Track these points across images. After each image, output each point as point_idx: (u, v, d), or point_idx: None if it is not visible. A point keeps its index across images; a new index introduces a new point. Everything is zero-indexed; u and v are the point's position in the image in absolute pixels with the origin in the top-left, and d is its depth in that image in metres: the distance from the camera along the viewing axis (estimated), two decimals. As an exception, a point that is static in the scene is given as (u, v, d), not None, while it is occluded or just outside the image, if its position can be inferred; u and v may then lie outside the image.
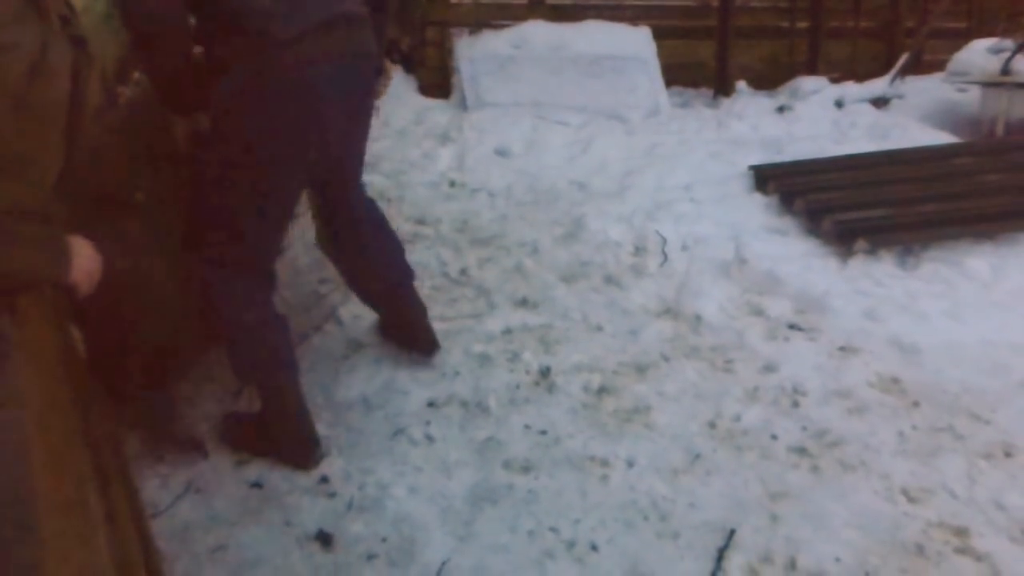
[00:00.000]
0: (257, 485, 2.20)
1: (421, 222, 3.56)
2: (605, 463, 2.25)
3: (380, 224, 2.52)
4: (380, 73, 2.38)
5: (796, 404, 2.50)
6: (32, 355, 1.18)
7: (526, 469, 2.24)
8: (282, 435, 2.24)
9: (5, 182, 1.12)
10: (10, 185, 1.12)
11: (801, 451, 2.31)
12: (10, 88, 1.07)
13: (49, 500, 1.14)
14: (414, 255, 3.29)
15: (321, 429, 2.38)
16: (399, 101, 3.95)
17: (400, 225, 3.52)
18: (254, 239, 2.14)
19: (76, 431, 1.27)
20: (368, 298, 2.61)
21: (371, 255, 2.49)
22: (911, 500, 2.13)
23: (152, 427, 2.32)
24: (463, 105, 4.56)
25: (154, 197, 2.14)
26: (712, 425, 2.41)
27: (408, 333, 2.62)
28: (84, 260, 1.24)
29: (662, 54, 4.92)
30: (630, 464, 2.25)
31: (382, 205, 3.05)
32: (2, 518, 1.13)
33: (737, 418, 2.43)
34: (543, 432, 2.37)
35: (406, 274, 2.56)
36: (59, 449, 1.21)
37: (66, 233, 1.24)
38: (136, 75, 2.03)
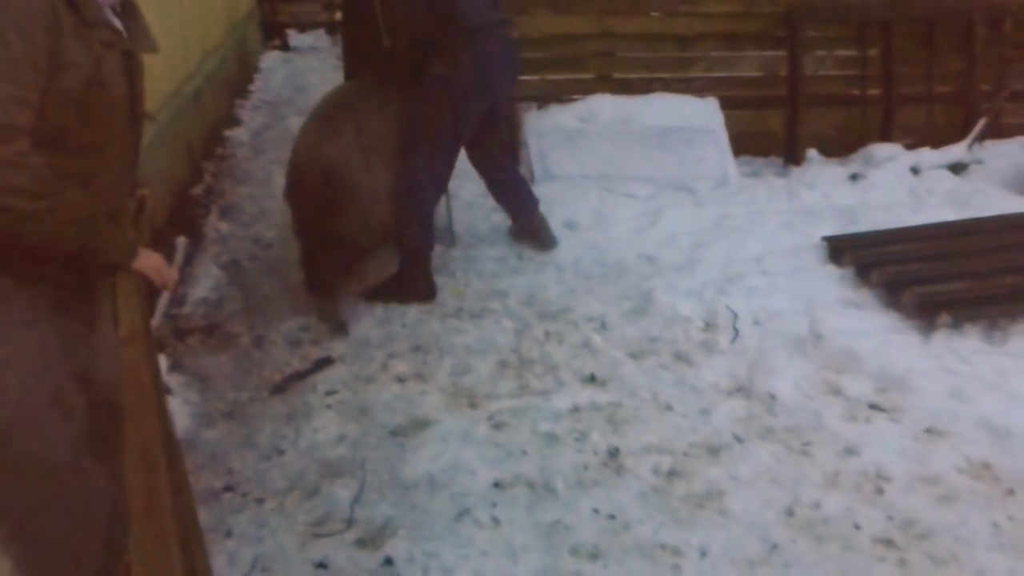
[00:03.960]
0: (322, 566, 2.20)
1: (489, 296, 3.57)
2: (676, 552, 2.17)
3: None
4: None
5: (880, 491, 2.38)
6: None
7: (594, 556, 2.18)
8: (417, 284, 3.49)
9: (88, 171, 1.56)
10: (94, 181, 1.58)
11: (887, 543, 2.19)
12: (71, 96, 1.48)
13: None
14: (482, 330, 3.29)
15: (386, 509, 2.37)
16: (467, 176, 4.02)
17: (468, 299, 3.54)
18: (451, 148, 3.51)
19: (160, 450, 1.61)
20: (505, 203, 3.95)
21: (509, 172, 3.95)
22: (1010, 601, 1.99)
23: (319, 310, 3.38)
24: (531, 178, 4.60)
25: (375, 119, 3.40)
26: (790, 512, 2.31)
27: (534, 234, 3.90)
28: (148, 260, 1.71)
29: (730, 124, 4.89)
30: (703, 553, 2.16)
31: (453, 277, 3.71)
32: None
33: (816, 505, 2.32)
34: (612, 516, 2.31)
35: (535, 200, 3.93)
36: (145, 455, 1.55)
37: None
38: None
